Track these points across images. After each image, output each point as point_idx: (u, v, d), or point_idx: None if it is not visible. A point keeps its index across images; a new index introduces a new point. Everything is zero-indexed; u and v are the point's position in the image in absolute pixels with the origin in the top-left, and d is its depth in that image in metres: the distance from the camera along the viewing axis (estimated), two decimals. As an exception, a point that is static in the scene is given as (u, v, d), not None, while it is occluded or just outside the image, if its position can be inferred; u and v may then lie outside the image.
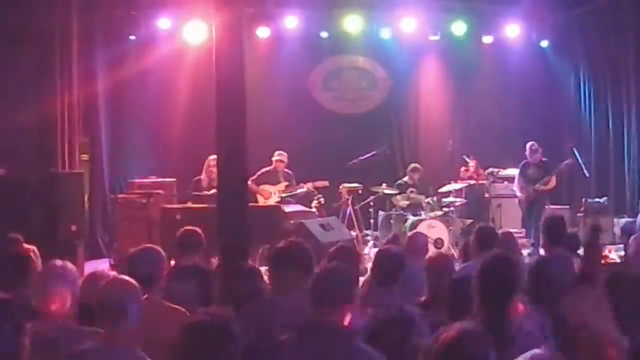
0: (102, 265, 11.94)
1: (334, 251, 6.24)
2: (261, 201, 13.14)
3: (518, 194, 13.66)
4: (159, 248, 5.67)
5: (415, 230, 10.51)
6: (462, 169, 14.72)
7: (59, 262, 4.92)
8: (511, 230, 9.10)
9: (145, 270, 5.25)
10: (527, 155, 13.53)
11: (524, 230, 13.73)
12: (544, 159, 13.60)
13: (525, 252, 10.83)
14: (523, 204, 13.61)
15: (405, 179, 14.39)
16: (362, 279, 6.75)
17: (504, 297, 4.52)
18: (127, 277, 4.52)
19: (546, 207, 13.38)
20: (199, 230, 6.90)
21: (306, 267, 5.19)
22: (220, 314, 3.73)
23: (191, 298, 5.92)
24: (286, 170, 13.44)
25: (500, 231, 8.08)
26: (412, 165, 14.47)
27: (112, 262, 11.25)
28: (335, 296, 4.31)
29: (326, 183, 13.38)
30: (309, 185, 13.26)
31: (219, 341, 3.59)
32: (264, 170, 13.27)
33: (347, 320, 4.28)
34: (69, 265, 4.93)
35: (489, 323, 4.25)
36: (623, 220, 13.56)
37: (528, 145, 13.55)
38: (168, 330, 4.80)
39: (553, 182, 13.47)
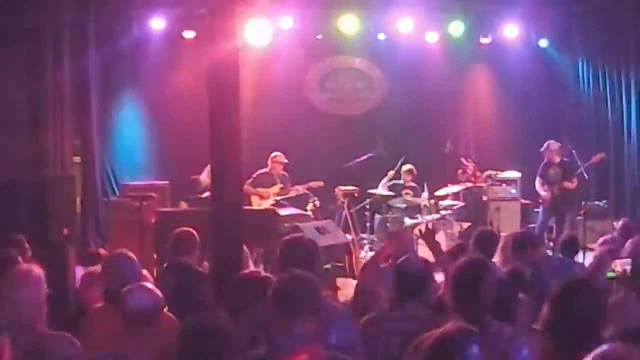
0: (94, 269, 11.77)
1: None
2: (256, 203, 13.01)
3: (542, 193, 13.44)
4: (131, 254, 5.59)
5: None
6: (459, 171, 14.58)
7: (24, 267, 4.82)
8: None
9: (124, 276, 5.21)
10: (546, 155, 13.33)
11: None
12: (565, 159, 13.44)
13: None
14: (546, 203, 13.37)
15: (400, 180, 14.30)
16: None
17: (478, 301, 4.41)
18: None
19: (568, 216, 13.21)
20: (193, 231, 6.81)
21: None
22: (218, 316, 3.86)
23: (180, 297, 5.87)
24: (283, 172, 13.32)
25: (514, 233, 7.94)
26: (406, 167, 14.35)
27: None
28: (297, 305, 4.19)
29: (321, 183, 13.29)
30: (304, 186, 13.15)
31: (217, 343, 3.61)
32: (260, 172, 13.16)
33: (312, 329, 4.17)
34: (34, 269, 4.82)
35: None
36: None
37: (545, 144, 13.37)
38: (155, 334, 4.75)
39: (575, 182, 13.29)
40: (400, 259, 5.67)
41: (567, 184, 13.17)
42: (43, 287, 4.79)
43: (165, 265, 7.24)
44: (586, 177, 13.93)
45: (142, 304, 4.30)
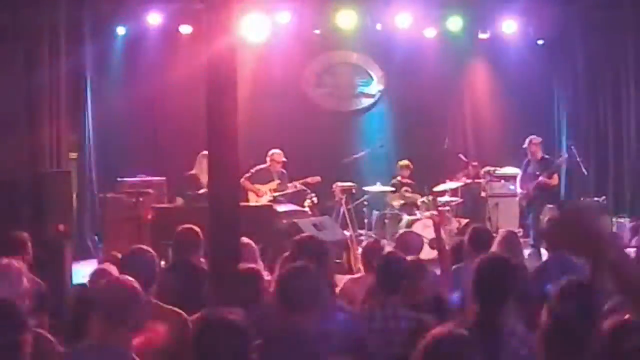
0: (90, 265, 11.75)
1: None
2: (253, 199, 12.97)
3: (518, 190, 13.46)
4: (151, 249, 5.57)
5: (407, 230, 10.46)
6: (469, 166, 14.51)
7: (3, 261, 4.78)
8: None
9: (140, 272, 5.11)
10: (529, 149, 13.31)
11: (521, 230, 13.54)
12: (545, 156, 13.41)
13: (526, 252, 10.60)
14: (522, 201, 13.41)
15: (398, 177, 14.25)
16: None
17: (499, 299, 4.39)
18: (130, 278, 4.45)
19: (546, 206, 13.19)
20: (196, 228, 6.78)
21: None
22: (233, 313, 3.71)
23: (183, 296, 5.80)
24: (281, 169, 13.27)
25: (502, 230, 7.91)
26: (402, 162, 14.31)
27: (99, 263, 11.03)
28: (304, 299, 4.15)
29: (318, 179, 13.21)
30: (301, 182, 13.10)
31: (233, 339, 3.55)
32: (258, 167, 13.10)
33: (316, 324, 4.14)
34: (13, 263, 4.82)
35: (482, 325, 4.17)
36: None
37: (527, 139, 13.35)
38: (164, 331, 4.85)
39: (555, 179, 13.27)
40: (385, 254, 5.65)
41: (545, 180, 13.14)
42: (22, 282, 4.75)
43: (169, 263, 7.21)
44: (585, 173, 13.91)
45: (119, 296, 4.25)
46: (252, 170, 13.00)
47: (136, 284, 4.34)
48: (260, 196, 13.00)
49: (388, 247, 8.80)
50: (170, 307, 5.23)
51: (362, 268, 7.29)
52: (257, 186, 13.05)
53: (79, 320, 5.01)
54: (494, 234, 7.65)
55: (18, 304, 3.98)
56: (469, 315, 4.41)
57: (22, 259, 6.06)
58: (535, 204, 13.13)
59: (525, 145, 13.40)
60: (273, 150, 13.25)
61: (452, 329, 3.46)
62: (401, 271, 5.36)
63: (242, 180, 12.05)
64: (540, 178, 13.11)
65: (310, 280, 4.33)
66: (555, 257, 6.95)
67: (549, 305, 3.90)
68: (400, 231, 8.64)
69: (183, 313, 5.15)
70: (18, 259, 5.92)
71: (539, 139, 13.40)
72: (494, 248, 7.41)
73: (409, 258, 5.91)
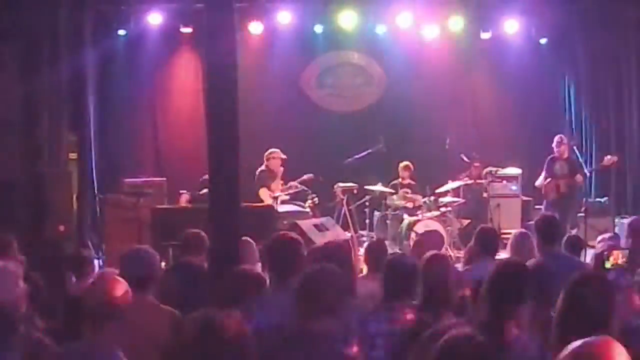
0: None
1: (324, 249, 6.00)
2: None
3: (540, 182, 13.39)
4: (151, 249, 5.56)
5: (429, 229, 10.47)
6: (473, 166, 14.46)
7: None
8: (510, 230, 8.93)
9: (140, 272, 5.16)
10: (553, 149, 13.25)
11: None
12: (572, 157, 13.32)
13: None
14: (549, 197, 13.25)
15: (399, 179, 14.21)
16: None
17: (513, 303, 4.33)
18: (118, 277, 4.44)
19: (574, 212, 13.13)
20: (202, 233, 6.82)
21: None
22: (232, 314, 3.60)
23: (186, 296, 5.86)
24: (281, 167, 13.19)
25: (515, 231, 7.91)
26: (402, 164, 14.27)
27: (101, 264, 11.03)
28: (325, 300, 4.11)
29: (311, 175, 13.06)
30: (297, 182, 13.02)
31: (230, 342, 3.44)
32: (259, 170, 12.97)
33: (334, 326, 4.10)
34: (9, 265, 4.76)
35: (490, 326, 4.13)
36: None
37: (556, 138, 13.29)
38: (161, 331, 4.86)
39: (580, 178, 13.18)
40: (392, 256, 5.60)
41: (578, 178, 13.08)
42: (18, 284, 4.69)
43: (171, 265, 7.22)
44: (587, 174, 13.85)
45: (102, 297, 4.23)
46: (260, 177, 12.81)
47: (124, 283, 4.32)
48: (277, 197, 12.84)
49: (389, 249, 8.80)
50: (166, 307, 5.24)
51: (365, 267, 7.25)
52: (268, 190, 12.88)
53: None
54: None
55: (9, 306, 3.93)
56: (479, 314, 4.37)
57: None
58: (564, 206, 12.97)
59: (555, 143, 13.27)
60: (271, 150, 13.13)
61: (469, 332, 3.43)
62: (406, 273, 5.29)
63: (260, 191, 12.34)
64: (577, 176, 13.04)
65: (334, 282, 4.30)
66: (550, 255, 6.93)
67: (565, 291, 3.91)
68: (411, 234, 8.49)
69: (178, 313, 5.15)
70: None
71: (564, 139, 13.35)
72: (508, 249, 7.42)
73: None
